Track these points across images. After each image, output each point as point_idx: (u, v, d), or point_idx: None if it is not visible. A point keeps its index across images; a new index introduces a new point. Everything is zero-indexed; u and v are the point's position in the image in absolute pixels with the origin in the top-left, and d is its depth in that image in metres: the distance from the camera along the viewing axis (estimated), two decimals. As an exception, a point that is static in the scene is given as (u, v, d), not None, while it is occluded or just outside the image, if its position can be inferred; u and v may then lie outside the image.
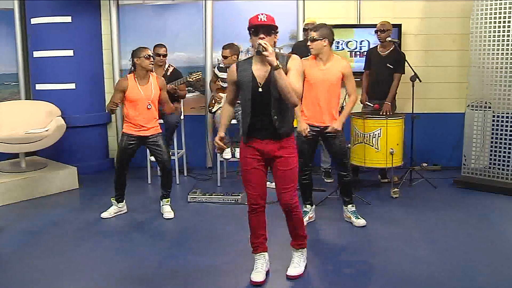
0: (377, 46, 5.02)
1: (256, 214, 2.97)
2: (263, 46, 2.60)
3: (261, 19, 2.77)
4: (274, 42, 2.81)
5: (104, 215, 4.15)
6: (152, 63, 4.01)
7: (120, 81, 4.08)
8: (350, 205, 3.96)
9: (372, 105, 4.89)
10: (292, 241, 3.09)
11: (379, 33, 4.84)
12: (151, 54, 4.00)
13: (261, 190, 2.94)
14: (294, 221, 2.97)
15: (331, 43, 3.71)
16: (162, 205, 4.25)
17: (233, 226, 3.91)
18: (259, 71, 2.78)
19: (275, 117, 2.75)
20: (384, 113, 4.72)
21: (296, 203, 2.92)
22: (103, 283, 2.98)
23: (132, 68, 4.02)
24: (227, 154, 5.02)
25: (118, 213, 4.23)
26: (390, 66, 4.86)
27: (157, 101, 4.08)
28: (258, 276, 2.94)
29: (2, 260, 3.32)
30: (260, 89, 2.75)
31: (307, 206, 3.99)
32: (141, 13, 5.88)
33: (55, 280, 3.01)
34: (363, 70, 5.14)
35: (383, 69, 4.85)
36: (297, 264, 3.05)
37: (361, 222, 3.87)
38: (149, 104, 4.00)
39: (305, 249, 3.11)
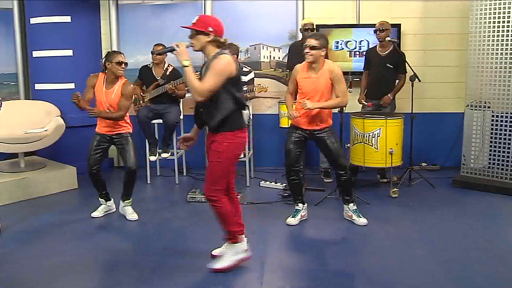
0: (376, 46, 5.03)
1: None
2: (175, 46, 2.94)
3: (192, 21, 2.99)
4: (213, 41, 2.97)
5: (95, 214, 4.17)
6: (123, 69, 3.96)
7: (90, 77, 4.11)
8: (351, 204, 3.97)
9: (366, 103, 4.90)
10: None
11: (378, 32, 4.85)
12: (123, 61, 3.95)
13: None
14: (214, 214, 3.07)
15: (326, 53, 3.78)
16: (123, 206, 4.17)
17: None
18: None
19: (201, 109, 3.04)
20: (382, 104, 4.75)
21: (214, 198, 3.00)
22: (103, 283, 2.97)
23: (104, 68, 4.03)
24: None
25: (108, 212, 4.24)
26: (390, 66, 4.87)
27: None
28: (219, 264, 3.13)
29: (1, 260, 3.31)
30: None
31: (299, 204, 4.00)
32: (140, 12, 5.88)
33: (54, 280, 3.01)
34: (362, 70, 5.15)
35: (382, 69, 4.87)
36: (222, 258, 3.12)
37: (363, 221, 3.88)
38: (108, 109, 4.00)
39: (235, 244, 3.11)
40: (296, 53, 5.14)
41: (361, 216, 3.92)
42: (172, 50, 2.98)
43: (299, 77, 3.84)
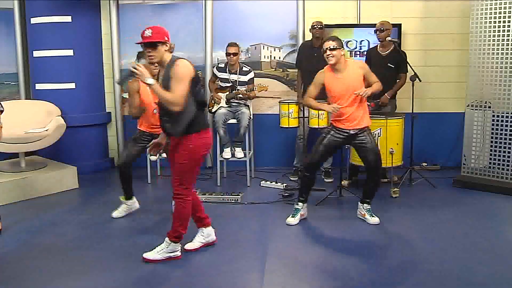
0: (376, 46, 5.02)
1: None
2: (133, 69, 2.93)
3: (146, 34, 2.98)
4: (169, 48, 3.04)
5: (116, 214, 4.14)
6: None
7: (131, 83, 3.99)
8: (367, 204, 3.98)
9: (368, 104, 4.90)
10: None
11: (378, 32, 4.85)
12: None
13: None
14: (176, 210, 3.21)
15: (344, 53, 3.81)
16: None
17: (233, 225, 3.91)
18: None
19: (164, 118, 3.09)
20: (380, 103, 4.76)
21: (181, 196, 3.14)
22: (102, 284, 2.98)
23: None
24: (226, 154, 5.03)
25: (130, 211, 4.20)
26: (391, 65, 4.86)
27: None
28: (190, 244, 3.39)
29: (1, 260, 3.31)
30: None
31: (299, 204, 4.00)
32: (141, 12, 5.88)
33: (54, 280, 3.01)
34: None
35: (384, 69, 4.85)
36: (156, 251, 3.24)
37: (375, 220, 3.89)
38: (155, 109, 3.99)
39: (172, 243, 3.23)
40: (306, 52, 5.16)
41: (373, 215, 3.92)
42: (131, 74, 2.98)
43: (327, 81, 3.81)
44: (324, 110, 3.95)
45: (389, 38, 4.85)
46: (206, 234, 3.47)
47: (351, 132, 3.81)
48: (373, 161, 3.80)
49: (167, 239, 3.24)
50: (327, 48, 3.71)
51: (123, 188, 4.12)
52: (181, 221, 3.21)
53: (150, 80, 2.90)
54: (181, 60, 2.99)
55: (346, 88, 3.76)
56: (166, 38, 3.00)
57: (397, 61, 4.88)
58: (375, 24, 4.93)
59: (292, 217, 3.95)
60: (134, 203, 4.23)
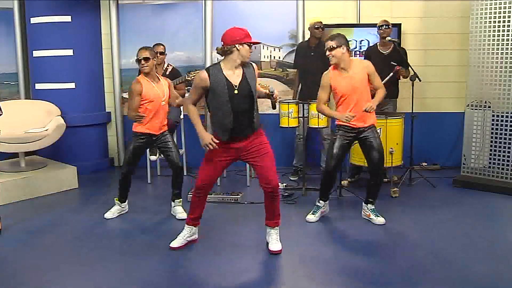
0: (376, 45, 5.02)
1: (200, 196, 3.42)
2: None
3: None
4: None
5: (108, 215, 4.13)
6: (146, 65, 3.92)
7: (134, 84, 3.96)
8: (371, 204, 3.98)
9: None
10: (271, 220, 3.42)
11: (383, 28, 4.83)
12: (143, 57, 3.92)
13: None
14: (277, 202, 3.37)
15: (348, 50, 3.76)
16: (174, 206, 4.19)
17: (233, 225, 3.91)
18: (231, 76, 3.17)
19: (248, 118, 3.20)
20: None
21: (278, 186, 3.31)
22: (102, 284, 2.97)
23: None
24: None
25: (121, 213, 4.21)
26: (394, 63, 4.85)
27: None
28: (176, 243, 3.43)
29: (1, 260, 3.31)
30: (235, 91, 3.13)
31: (321, 201, 4.02)
32: (141, 12, 5.88)
33: (54, 280, 3.01)
34: None
35: (386, 67, 4.83)
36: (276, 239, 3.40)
37: (381, 220, 3.89)
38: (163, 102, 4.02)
39: (277, 228, 3.46)
40: (303, 52, 5.15)
41: (379, 215, 3.92)
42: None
43: (333, 81, 3.79)
44: (336, 118, 3.87)
45: (388, 38, 4.86)
46: (192, 232, 3.52)
47: (360, 129, 3.81)
48: (376, 158, 3.80)
49: (276, 229, 3.42)
50: (327, 48, 3.70)
51: (122, 193, 4.14)
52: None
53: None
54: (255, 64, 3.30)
55: (352, 87, 3.74)
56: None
57: (400, 58, 4.90)
58: (375, 24, 4.94)
59: (312, 214, 3.97)
60: (126, 206, 4.26)
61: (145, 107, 3.91)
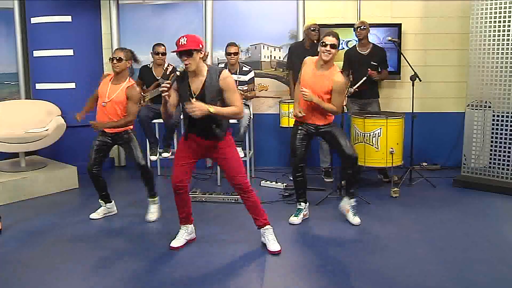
0: (355, 46, 5.05)
1: (179, 194, 3.38)
2: (191, 108, 3.02)
3: (182, 43, 3.04)
4: (202, 57, 3.14)
5: (93, 216, 4.12)
6: (115, 65, 3.88)
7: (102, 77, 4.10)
8: (352, 199, 3.93)
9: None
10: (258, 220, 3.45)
11: (359, 30, 4.88)
12: (114, 56, 3.90)
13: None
14: (252, 201, 3.38)
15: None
16: (149, 204, 4.14)
17: (233, 225, 3.91)
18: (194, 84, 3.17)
19: (211, 125, 3.19)
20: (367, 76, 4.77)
21: (250, 187, 3.36)
22: (103, 284, 2.97)
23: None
24: None
25: (107, 214, 4.18)
26: (374, 63, 4.88)
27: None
28: (175, 242, 3.44)
29: (1, 260, 3.32)
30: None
31: (301, 203, 4.01)
32: (141, 12, 5.88)
33: (54, 280, 3.01)
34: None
35: (366, 67, 4.83)
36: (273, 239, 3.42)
37: (357, 220, 3.88)
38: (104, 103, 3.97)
39: (269, 227, 3.46)
40: (297, 53, 5.14)
41: (356, 215, 3.90)
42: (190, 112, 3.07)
43: (306, 69, 3.79)
44: (294, 109, 3.90)
45: (389, 38, 4.87)
46: (190, 231, 3.53)
47: (318, 126, 3.82)
48: (344, 145, 3.79)
49: (268, 229, 3.43)
50: (328, 44, 3.62)
51: (97, 192, 4.13)
52: (261, 209, 3.44)
53: (212, 108, 3.03)
54: (225, 70, 3.18)
55: (313, 87, 3.71)
56: (201, 46, 3.08)
57: (380, 58, 4.95)
58: (375, 24, 4.94)
59: (295, 216, 3.96)
60: (113, 207, 4.24)
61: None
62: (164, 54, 5.18)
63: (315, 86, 3.72)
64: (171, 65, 5.27)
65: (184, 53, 3.03)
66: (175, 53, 3.08)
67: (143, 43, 5.74)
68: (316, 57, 3.80)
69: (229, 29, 5.68)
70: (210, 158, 3.43)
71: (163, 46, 5.19)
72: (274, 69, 5.81)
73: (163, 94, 3.03)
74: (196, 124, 3.18)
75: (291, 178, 5.30)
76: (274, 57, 5.79)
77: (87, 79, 5.70)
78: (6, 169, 4.99)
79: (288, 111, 4.83)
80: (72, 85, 5.59)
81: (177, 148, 3.43)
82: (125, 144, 4.04)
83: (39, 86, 5.67)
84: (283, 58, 5.75)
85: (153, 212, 4.09)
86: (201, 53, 3.10)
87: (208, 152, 3.35)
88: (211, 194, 4.59)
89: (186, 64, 3.05)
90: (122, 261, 3.27)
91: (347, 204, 3.96)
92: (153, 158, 5.23)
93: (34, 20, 5.57)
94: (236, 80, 5.06)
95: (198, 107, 3.00)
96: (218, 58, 5.76)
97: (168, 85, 3.02)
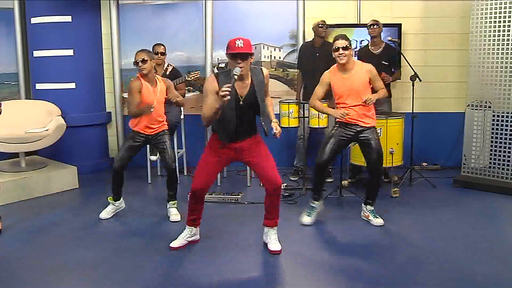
0: (367, 45, 5.04)
1: (197, 198, 3.39)
2: (279, 134, 3.21)
3: (238, 45, 3.01)
4: (250, 63, 3.11)
5: (103, 215, 4.12)
6: (141, 67, 3.88)
7: (133, 82, 3.97)
8: (370, 205, 3.97)
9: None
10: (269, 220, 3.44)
11: (372, 27, 4.88)
12: (137, 60, 3.89)
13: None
14: (278, 201, 3.39)
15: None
16: (169, 208, 4.17)
17: (233, 225, 3.91)
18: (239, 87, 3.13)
19: (249, 121, 3.23)
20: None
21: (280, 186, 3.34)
22: (103, 284, 2.98)
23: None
24: None
25: (117, 211, 4.20)
26: (386, 63, 4.88)
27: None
28: (175, 242, 3.45)
29: (1, 260, 3.32)
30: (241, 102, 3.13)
31: (315, 202, 4.00)
32: (141, 12, 5.88)
33: (54, 280, 3.01)
34: None
35: (378, 67, 4.83)
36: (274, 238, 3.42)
37: (379, 221, 3.88)
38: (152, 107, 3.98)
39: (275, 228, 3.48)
40: (307, 52, 5.16)
41: (377, 216, 3.92)
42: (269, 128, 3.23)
43: (333, 81, 3.81)
44: (330, 114, 3.93)
45: (389, 38, 4.87)
46: (193, 233, 3.52)
47: (358, 128, 3.81)
48: (375, 160, 3.80)
49: (274, 229, 3.44)
50: (340, 47, 3.67)
51: (115, 190, 4.12)
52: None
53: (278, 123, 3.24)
54: (263, 68, 3.28)
55: (351, 88, 3.76)
56: (253, 50, 3.13)
57: (392, 58, 4.96)
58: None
59: (307, 216, 3.95)
60: (121, 203, 4.23)
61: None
62: (163, 54, 5.18)
63: (353, 87, 3.75)
64: (171, 65, 5.27)
65: (241, 55, 2.99)
66: (229, 54, 3.03)
67: (143, 43, 5.68)
68: (329, 69, 3.86)
69: (229, 29, 5.67)
70: (243, 161, 3.35)
71: (163, 46, 5.19)
72: (274, 69, 5.81)
73: (224, 99, 2.87)
74: (238, 129, 3.17)
75: (292, 178, 5.33)
76: (274, 57, 5.79)
77: (87, 79, 5.71)
78: (6, 169, 4.99)
79: (288, 111, 4.82)
80: (72, 85, 5.59)
81: (205, 153, 3.31)
82: (160, 144, 4.04)
83: (39, 86, 5.67)
84: (283, 58, 5.75)
85: (176, 214, 4.10)
86: (253, 58, 3.12)
87: (240, 154, 3.27)
88: (211, 194, 4.58)
89: (241, 67, 2.97)
90: (122, 261, 3.27)
91: (365, 211, 3.98)
92: (153, 158, 5.23)
93: (34, 20, 5.57)
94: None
95: (279, 130, 3.17)
96: (218, 58, 5.76)
97: (230, 89, 2.87)
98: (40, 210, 4.40)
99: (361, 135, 3.83)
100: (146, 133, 4.00)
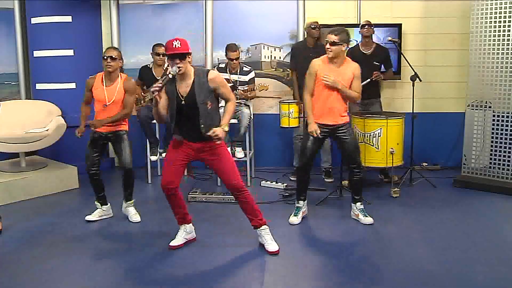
0: (358, 45, 5.05)
1: (169, 196, 3.37)
2: (218, 133, 3.09)
3: (175, 46, 3.11)
4: (189, 62, 3.20)
5: (89, 217, 4.07)
6: (109, 64, 3.86)
7: (88, 80, 4.05)
8: (359, 203, 3.98)
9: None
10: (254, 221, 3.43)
11: (366, 27, 4.89)
12: (106, 56, 3.87)
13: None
14: (248, 202, 3.38)
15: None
16: (126, 207, 4.13)
17: (233, 225, 3.91)
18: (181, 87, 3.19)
19: (206, 123, 3.18)
20: (374, 78, 4.87)
21: (244, 188, 3.33)
22: (103, 284, 2.97)
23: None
24: None
25: (103, 217, 4.14)
26: (377, 63, 4.90)
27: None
28: (174, 242, 3.46)
29: (1, 260, 3.32)
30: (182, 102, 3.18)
31: (300, 202, 4.01)
32: (141, 12, 5.88)
33: (54, 280, 3.01)
34: None
35: (369, 67, 4.84)
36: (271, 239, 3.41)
37: (369, 220, 3.89)
38: (104, 104, 3.94)
39: (266, 227, 3.45)
40: (299, 53, 5.15)
41: (367, 215, 3.92)
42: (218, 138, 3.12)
43: (320, 71, 3.78)
44: (309, 122, 3.86)
45: (389, 38, 4.88)
46: (189, 231, 3.53)
47: (334, 126, 3.82)
48: (351, 151, 3.84)
49: (264, 229, 3.41)
50: (327, 41, 3.69)
51: (94, 192, 4.12)
52: (257, 209, 3.41)
53: (226, 128, 3.14)
54: (212, 70, 3.28)
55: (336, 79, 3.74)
56: (190, 50, 3.17)
57: (383, 58, 4.98)
58: (376, 24, 4.94)
59: (294, 216, 3.96)
60: (109, 210, 4.19)
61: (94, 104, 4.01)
62: (164, 54, 5.17)
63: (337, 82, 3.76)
64: (171, 65, 5.26)
65: (178, 56, 3.08)
66: (167, 55, 3.14)
67: (143, 43, 5.74)
68: (323, 57, 3.84)
69: (229, 29, 5.68)
70: (202, 161, 3.38)
71: (163, 46, 5.17)
72: (274, 69, 5.81)
73: (153, 95, 3.03)
74: (184, 129, 3.25)
75: (291, 178, 5.33)
76: (274, 57, 5.79)
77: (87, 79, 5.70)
78: (6, 169, 4.99)
79: (288, 111, 4.82)
80: (72, 85, 5.59)
81: (167, 150, 3.44)
82: (117, 143, 4.02)
83: (39, 86, 5.67)
84: (283, 58, 5.75)
85: (136, 213, 4.09)
86: (190, 56, 3.16)
87: (199, 154, 3.31)
88: (211, 194, 4.59)
89: (179, 67, 3.08)
90: (122, 261, 3.27)
91: (355, 210, 3.99)
92: (153, 158, 5.23)
93: (34, 20, 5.57)
94: (236, 80, 5.08)
95: (219, 133, 3.09)
96: (218, 58, 5.75)
97: (160, 86, 3.02)
98: (40, 210, 4.40)
99: (337, 132, 3.84)
100: (99, 131, 3.98)
